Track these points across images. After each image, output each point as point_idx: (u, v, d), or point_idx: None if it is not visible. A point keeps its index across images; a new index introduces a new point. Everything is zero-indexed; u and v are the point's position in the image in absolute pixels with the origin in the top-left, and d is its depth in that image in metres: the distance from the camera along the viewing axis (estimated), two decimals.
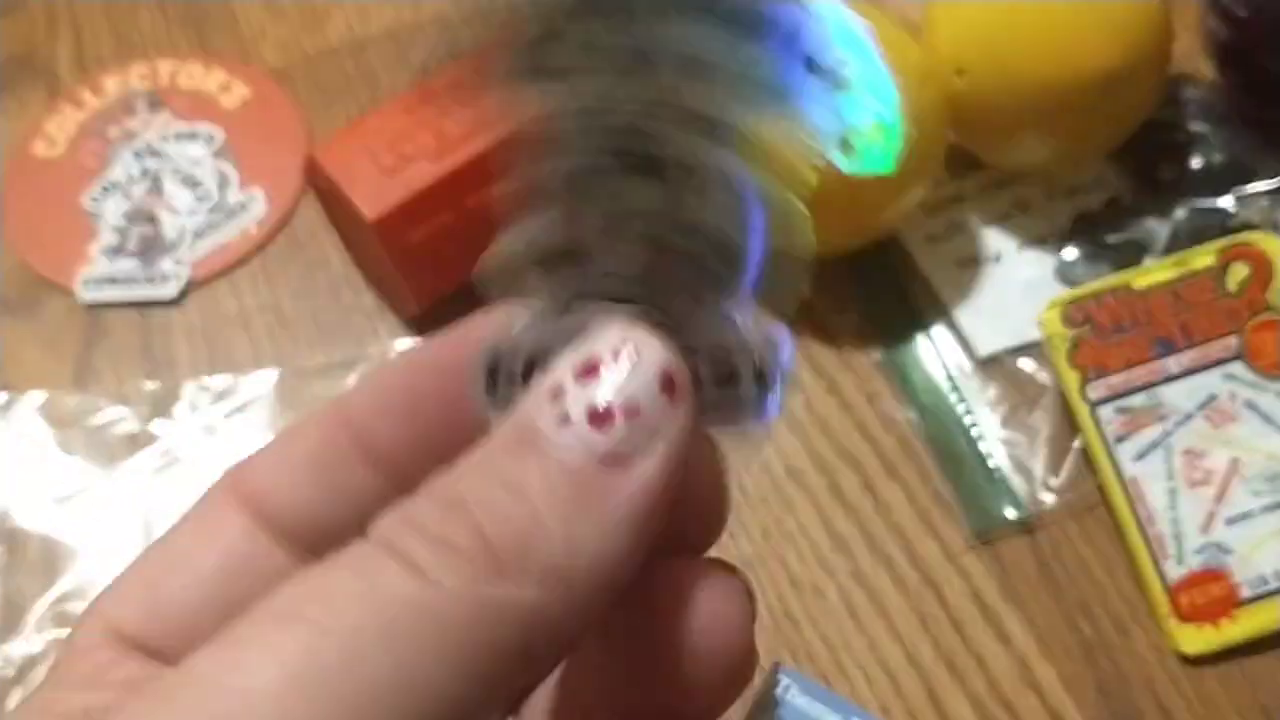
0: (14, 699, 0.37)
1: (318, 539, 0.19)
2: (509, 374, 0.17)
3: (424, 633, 0.15)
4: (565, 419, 0.16)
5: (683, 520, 0.18)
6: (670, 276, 0.17)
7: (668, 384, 0.17)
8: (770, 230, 0.17)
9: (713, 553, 0.38)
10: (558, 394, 0.17)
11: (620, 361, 0.16)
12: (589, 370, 0.17)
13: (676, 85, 0.16)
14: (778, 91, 0.16)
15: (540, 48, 0.16)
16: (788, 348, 0.18)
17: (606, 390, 0.16)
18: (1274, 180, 0.43)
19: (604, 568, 0.16)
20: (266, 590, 0.16)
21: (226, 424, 0.42)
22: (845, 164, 0.17)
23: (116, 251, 0.46)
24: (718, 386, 0.17)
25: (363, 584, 0.15)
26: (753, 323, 0.17)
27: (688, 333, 0.17)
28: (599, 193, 0.17)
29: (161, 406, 0.42)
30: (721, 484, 0.20)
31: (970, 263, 0.43)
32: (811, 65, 0.16)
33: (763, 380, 0.18)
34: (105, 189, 0.47)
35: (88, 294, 0.45)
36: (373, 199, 0.39)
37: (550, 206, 0.17)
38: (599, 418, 0.16)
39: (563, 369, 0.17)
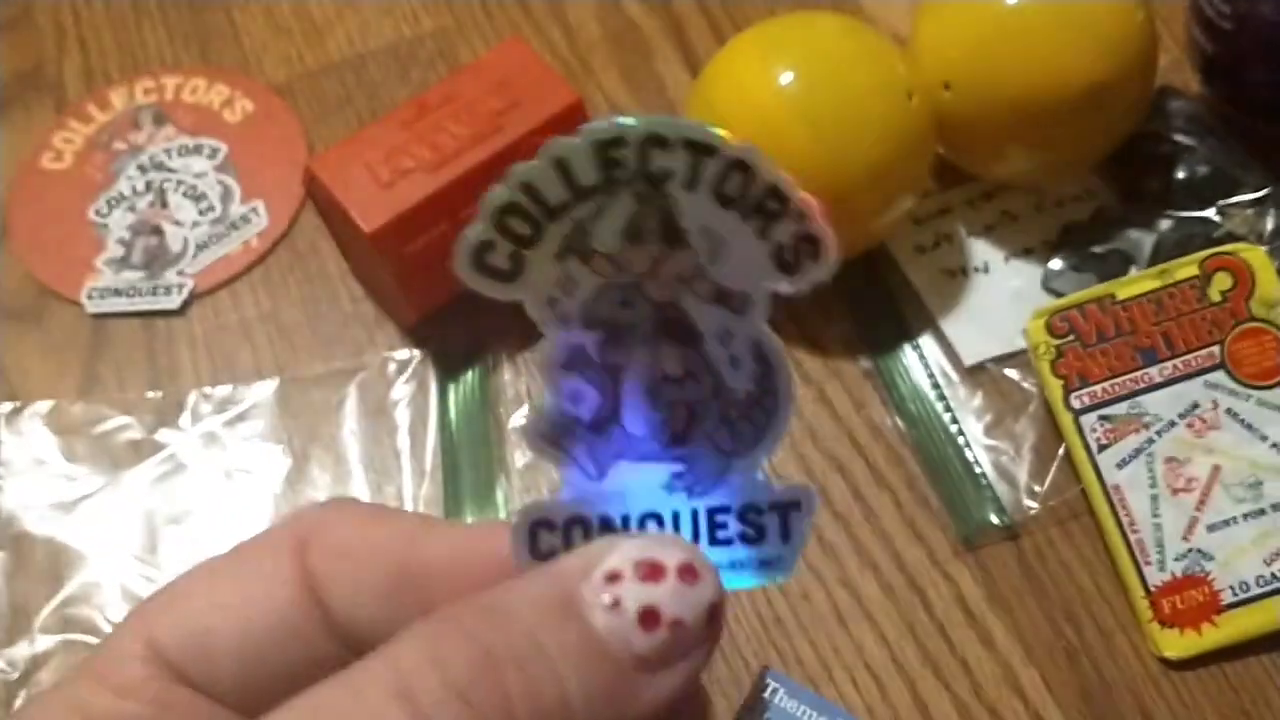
0: (18, 703, 0.38)
1: (362, 638, 0.19)
2: (551, 532, 0.18)
3: None
4: (617, 605, 0.17)
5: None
6: (703, 439, 0.18)
7: (714, 615, 0.17)
8: (788, 392, 0.18)
9: None
10: (614, 579, 0.17)
11: (684, 578, 0.17)
12: (653, 572, 0.17)
13: (705, 260, 0.18)
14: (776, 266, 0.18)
15: (586, 225, 0.17)
16: (811, 508, 0.19)
17: (665, 597, 0.17)
18: (1258, 192, 0.43)
19: None
20: (304, 678, 0.17)
21: (228, 432, 0.43)
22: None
23: (121, 263, 0.47)
24: (745, 544, 0.19)
25: None
26: (775, 481, 0.19)
27: (720, 492, 0.19)
28: (639, 359, 0.18)
29: (165, 415, 0.43)
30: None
31: (957, 273, 0.44)
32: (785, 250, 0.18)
33: (788, 538, 0.19)
34: (111, 202, 0.48)
35: (93, 305, 0.46)
36: (370, 211, 0.40)
37: (591, 370, 0.18)
38: (649, 619, 0.17)
39: (622, 557, 0.17)
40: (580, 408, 0.18)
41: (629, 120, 0.17)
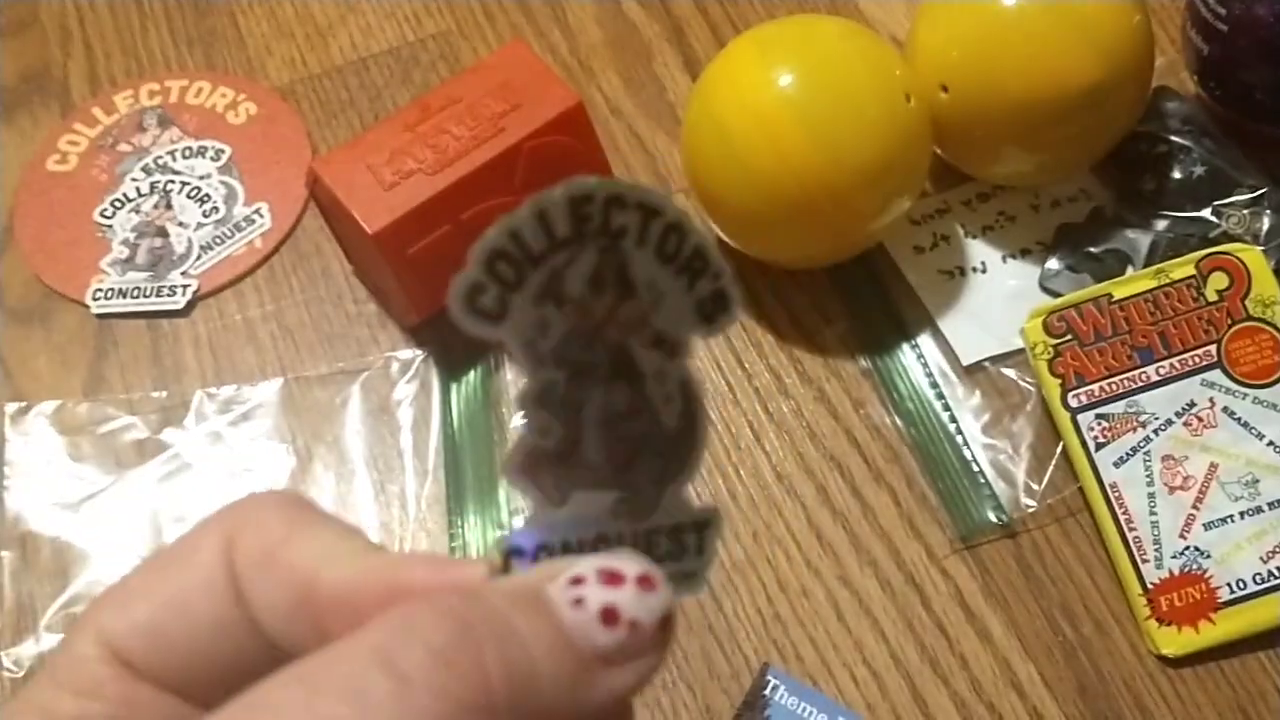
0: None
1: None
2: (520, 559, 0.20)
3: None
4: (580, 602, 0.19)
5: None
6: (642, 468, 0.21)
7: (666, 624, 0.19)
8: (705, 428, 0.21)
9: None
10: (579, 581, 0.19)
11: (642, 585, 0.19)
12: (614, 578, 0.19)
13: (648, 309, 0.20)
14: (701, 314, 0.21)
15: (560, 273, 0.20)
16: (719, 525, 0.22)
17: (624, 599, 0.19)
18: (1254, 192, 0.44)
19: None
20: (260, 671, 0.17)
21: (233, 432, 0.43)
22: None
23: (126, 265, 0.47)
24: (670, 561, 0.21)
25: (351, 689, 0.17)
26: (693, 503, 0.21)
27: (653, 516, 0.21)
28: (597, 397, 0.20)
29: (170, 415, 0.43)
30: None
31: (955, 273, 0.44)
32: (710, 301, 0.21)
33: (702, 553, 0.21)
34: (116, 204, 0.49)
35: (98, 306, 0.46)
36: (373, 212, 0.40)
37: (558, 406, 0.20)
38: (609, 617, 0.19)
39: (587, 565, 0.19)
40: (548, 440, 0.20)
41: (595, 180, 0.19)
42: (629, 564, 0.19)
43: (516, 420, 0.42)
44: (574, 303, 0.20)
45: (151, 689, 0.20)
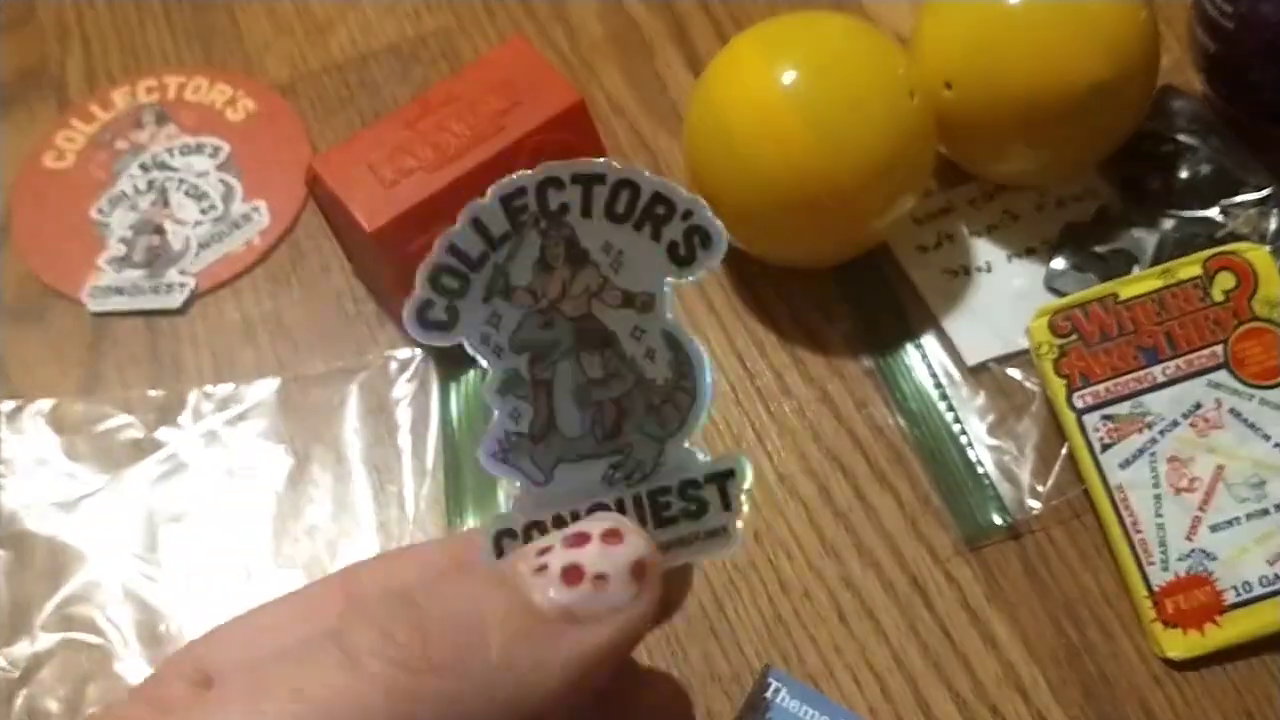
0: (19, 701, 0.38)
1: None
2: (512, 539, 0.21)
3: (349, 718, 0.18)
4: (543, 569, 0.19)
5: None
6: (634, 429, 0.21)
7: (638, 571, 0.19)
8: (702, 368, 0.21)
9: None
10: (544, 551, 0.19)
11: (607, 540, 0.19)
12: (579, 540, 0.20)
13: (608, 272, 0.21)
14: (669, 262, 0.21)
15: (504, 267, 0.20)
16: (744, 474, 0.21)
17: (587, 556, 0.19)
18: (1261, 191, 0.43)
19: (532, 694, 0.18)
20: None
21: (230, 431, 0.43)
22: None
23: (123, 262, 0.47)
24: (689, 519, 0.21)
25: (305, 674, 0.18)
26: (708, 455, 0.21)
27: (657, 475, 0.21)
28: (564, 371, 0.21)
29: (167, 414, 0.43)
30: None
31: (959, 272, 0.44)
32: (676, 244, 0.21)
33: (728, 506, 0.21)
34: (113, 201, 0.48)
35: (95, 304, 0.46)
36: (372, 210, 0.40)
37: (525, 389, 0.21)
38: (571, 575, 0.19)
39: (555, 535, 0.20)
40: (520, 423, 0.21)
41: (527, 172, 0.20)
42: (596, 523, 0.20)
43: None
44: (523, 289, 0.20)
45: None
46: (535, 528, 0.21)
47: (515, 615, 0.19)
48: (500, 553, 0.21)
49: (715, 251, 0.21)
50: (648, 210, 0.20)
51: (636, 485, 0.21)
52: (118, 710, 0.21)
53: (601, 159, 0.20)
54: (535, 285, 0.20)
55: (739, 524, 0.21)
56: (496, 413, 0.21)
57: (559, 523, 0.21)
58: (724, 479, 0.21)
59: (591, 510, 0.21)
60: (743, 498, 0.21)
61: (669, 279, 0.21)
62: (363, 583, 0.22)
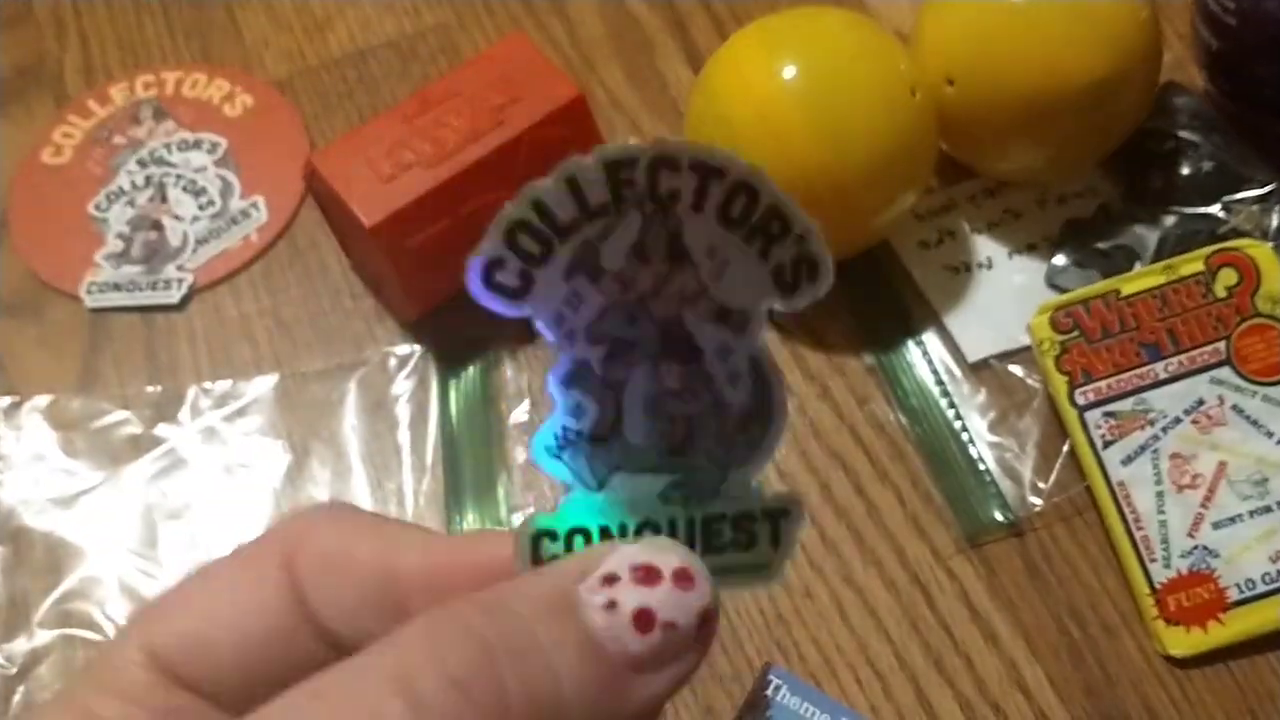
0: (17, 697, 0.38)
1: (351, 638, 0.20)
2: (553, 541, 0.19)
3: None
4: (612, 606, 0.18)
5: None
6: (701, 451, 0.19)
7: (706, 621, 0.18)
8: (783, 407, 0.19)
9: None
10: (611, 581, 0.18)
11: (679, 582, 0.18)
12: (649, 576, 0.18)
13: (707, 279, 0.18)
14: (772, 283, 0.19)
15: (594, 244, 0.18)
16: (801, 516, 0.20)
17: (660, 600, 0.18)
18: (1263, 187, 0.43)
19: None
20: (294, 673, 0.17)
21: (228, 427, 0.42)
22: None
23: (121, 258, 0.47)
24: (737, 550, 0.20)
25: (368, 712, 0.16)
26: (765, 491, 0.20)
27: (715, 502, 0.19)
28: (641, 374, 0.19)
29: (165, 410, 0.43)
30: None
31: (961, 269, 0.43)
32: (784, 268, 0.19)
33: (777, 545, 0.20)
34: (111, 196, 0.48)
35: (92, 300, 0.46)
36: (371, 205, 0.40)
37: (594, 385, 0.19)
38: (644, 620, 0.17)
39: (619, 560, 0.18)
40: (582, 421, 0.19)
41: (639, 144, 0.18)
42: (667, 556, 0.18)
43: (518, 414, 0.42)
44: (612, 275, 0.18)
45: (193, 698, 0.20)
46: (579, 533, 0.19)
47: (587, 665, 0.17)
48: (538, 556, 0.19)
49: (821, 286, 0.18)
50: (762, 223, 0.18)
51: (694, 509, 0.20)
52: (79, 698, 0.20)
53: (727, 152, 0.18)
54: (628, 273, 0.18)
55: (786, 564, 0.20)
56: (558, 405, 0.19)
57: (605, 534, 0.19)
58: (779, 516, 0.20)
59: (641, 528, 0.19)
60: (796, 538, 0.20)
61: (769, 303, 0.19)
62: (325, 560, 0.21)
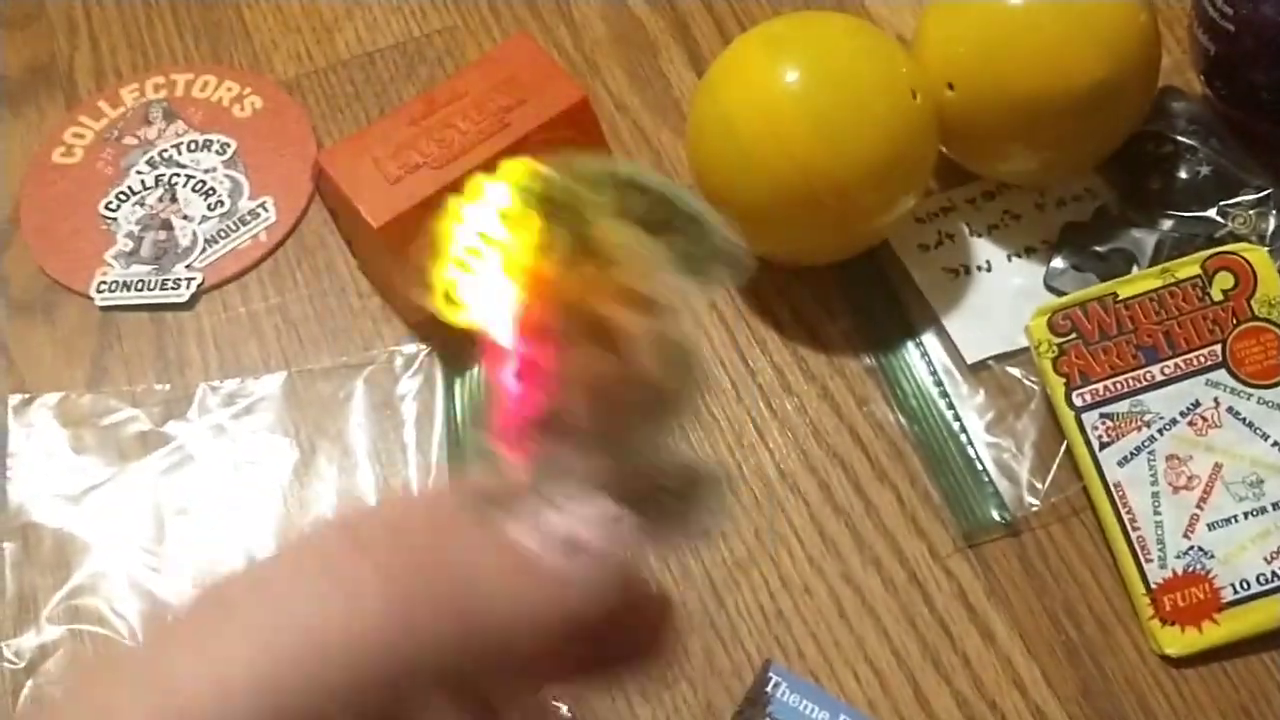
0: (24, 692, 0.38)
1: None
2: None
3: None
4: (535, 530, 0.21)
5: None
6: (632, 425, 0.22)
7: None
8: (700, 374, 0.22)
9: (706, 554, 0.39)
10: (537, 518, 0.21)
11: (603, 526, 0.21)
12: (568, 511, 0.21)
13: (624, 273, 0.21)
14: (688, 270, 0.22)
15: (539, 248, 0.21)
16: (723, 477, 0.23)
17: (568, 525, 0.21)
18: (1260, 192, 0.44)
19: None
20: None
21: (236, 425, 0.43)
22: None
23: (131, 257, 0.47)
24: (677, 504, 0.22)
25: (317, 548, 0.20)
26: (695, 454, 0.23)
27: (655, 469, 0.22)
28: (582, 363, 0.21)
29: (173, 407, 0.43)
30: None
31: (960, 271, 0.44)
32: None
33: (705, 500, 0.22)
34: (121, 197, 0.49)
35: (102, 298, 0.46)
36: (378, 206, 0.40)
37: (540, 375, 0.21)
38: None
39: (544, 507, 0.21)
40: (531, 407, 0.21)
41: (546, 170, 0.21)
42: (584, 506, 0.21)
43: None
44: (554, 279, 0.21)
45: None
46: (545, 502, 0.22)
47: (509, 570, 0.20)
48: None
49: (737, 275, 0.21)
50: (683, 226, 0.21)
51: (627, 481, 0.22)
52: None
53: (647, 171, 0.21)
54: (565, 275, 0.21)
55: (719, 519, 0.23)
56: (506, 393, 0.21)
57: (548, 500, 0.22)
58: (703, 476, 0.22)
59: (580, 492, 0.22)
60: (722, 492, 0.22)
61: (687, 292, 0.21)
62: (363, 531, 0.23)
